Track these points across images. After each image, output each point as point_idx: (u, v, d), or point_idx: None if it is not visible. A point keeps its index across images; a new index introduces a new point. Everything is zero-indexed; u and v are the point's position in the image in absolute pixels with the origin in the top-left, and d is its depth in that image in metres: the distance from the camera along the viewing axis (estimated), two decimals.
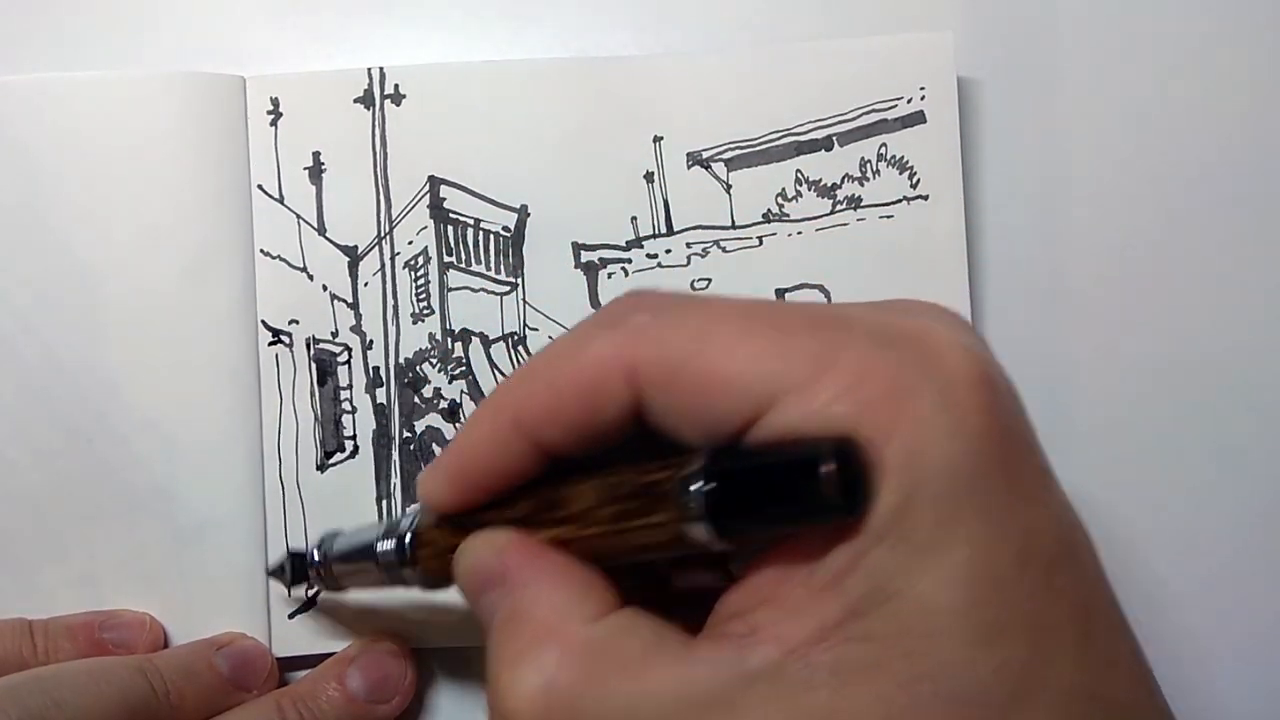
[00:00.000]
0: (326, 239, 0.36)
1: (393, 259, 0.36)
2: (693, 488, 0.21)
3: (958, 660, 0.20)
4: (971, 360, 0.21)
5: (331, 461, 0.36)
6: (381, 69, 0.36)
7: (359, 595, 0.34)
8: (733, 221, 0.36)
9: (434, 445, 0.36)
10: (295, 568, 0.32)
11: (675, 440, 0.23)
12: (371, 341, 0.36)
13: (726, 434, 0.22)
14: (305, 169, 0.36)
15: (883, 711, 0.20)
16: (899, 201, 0.36)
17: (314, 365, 0.36)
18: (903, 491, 0.20)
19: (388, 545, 0.28)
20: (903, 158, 0.36)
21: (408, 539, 0.27)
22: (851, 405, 0.20)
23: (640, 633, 0.22)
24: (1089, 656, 0.21)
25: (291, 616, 0.35)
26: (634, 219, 0.36)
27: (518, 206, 0.36)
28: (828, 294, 0.36)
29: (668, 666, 0.21)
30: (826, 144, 0.36)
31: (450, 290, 0.36)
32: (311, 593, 0.35)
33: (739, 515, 0.21)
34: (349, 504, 0.35)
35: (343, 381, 0.36)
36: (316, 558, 0.31)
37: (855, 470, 0.20)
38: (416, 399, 0.36)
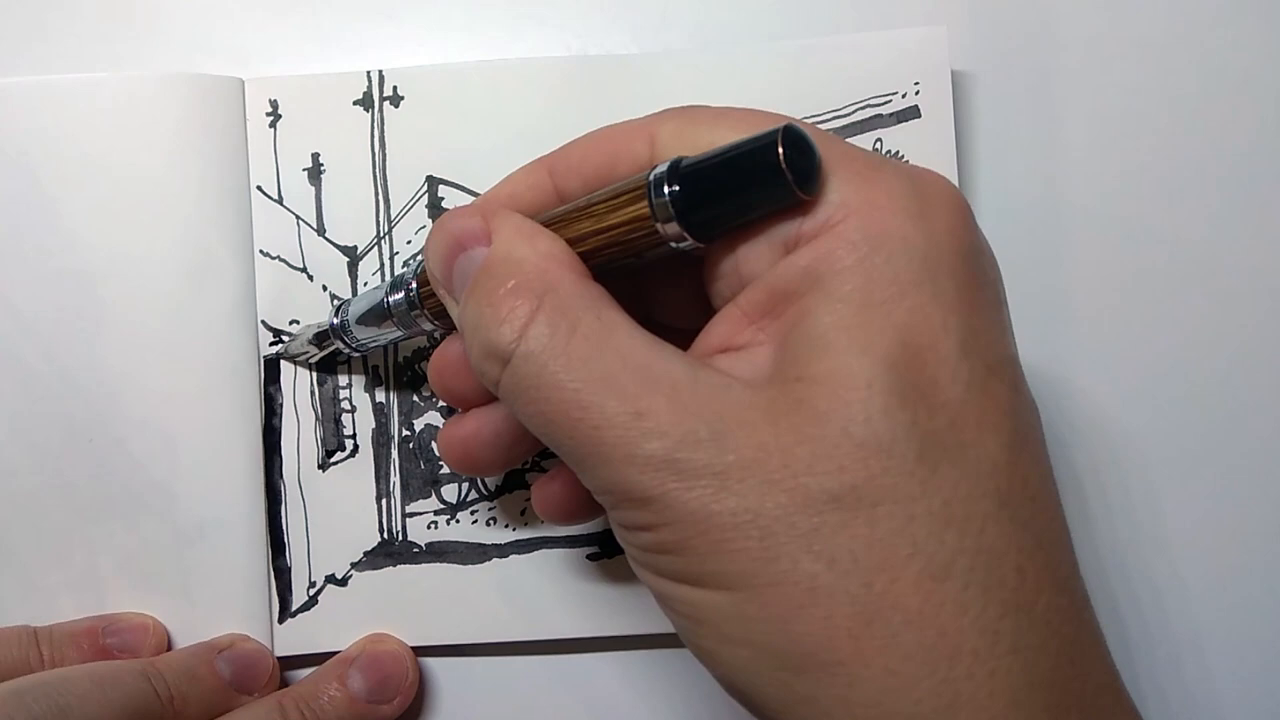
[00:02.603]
0: (326, 239, 0.36)
1: (392, 259, 0.36)
2: (655, 173, 0.23)
3: (875, 407, 0.21)
4: (953, 189, 0.23)
5: (332, 460, 0.36)
6: (380, 71, 0.36)
7: (359, 593, 0.34)
8: None
9: (433, 443, 0.36)
10: (319, 333, 0.34)
11: None
12: None
13: None
14: (304, 170, 0.36)
15: (795, 439, 0.21)
16: None
17: (313, 365, 0.36)
18: (858, 253, 0.22)
19: (397, 297, 0.30)
20: (898, 153, 0.36)
21: (413, 286, 0.29)
22: (837, 178, 0.23)
23: (615, 306, 0.24)
24: (1013, 470, 0.22)
25: (292, 616, 0.35)
26: None
27: None
28: None
29: (639, 339, 0.23)
30: None
31: None
32: (313, 591, 0.35)
33: (703, 207, 0.23)
34: (349, 502, 0.36)
35: (342, 381, 0.36)
36: (336, 322, 0.33)
37: (806, 156, 0.22)
38: (415, 397, 0.36)
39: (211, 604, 0.35)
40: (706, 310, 0.26)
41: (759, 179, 0.22)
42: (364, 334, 0.32)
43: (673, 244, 0.24)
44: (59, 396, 0.35)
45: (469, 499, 0.36)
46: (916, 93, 0.36)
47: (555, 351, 0.23)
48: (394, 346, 0.36)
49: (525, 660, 0.36)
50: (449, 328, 0.29)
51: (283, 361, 0.36)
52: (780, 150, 0.22)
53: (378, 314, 0.31)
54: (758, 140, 0.22)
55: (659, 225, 0.23)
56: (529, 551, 0.36)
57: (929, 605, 0.20)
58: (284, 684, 0.35)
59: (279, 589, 0.35)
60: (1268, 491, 0.36)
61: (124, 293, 0.35)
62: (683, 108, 0.26)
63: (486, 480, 0.36)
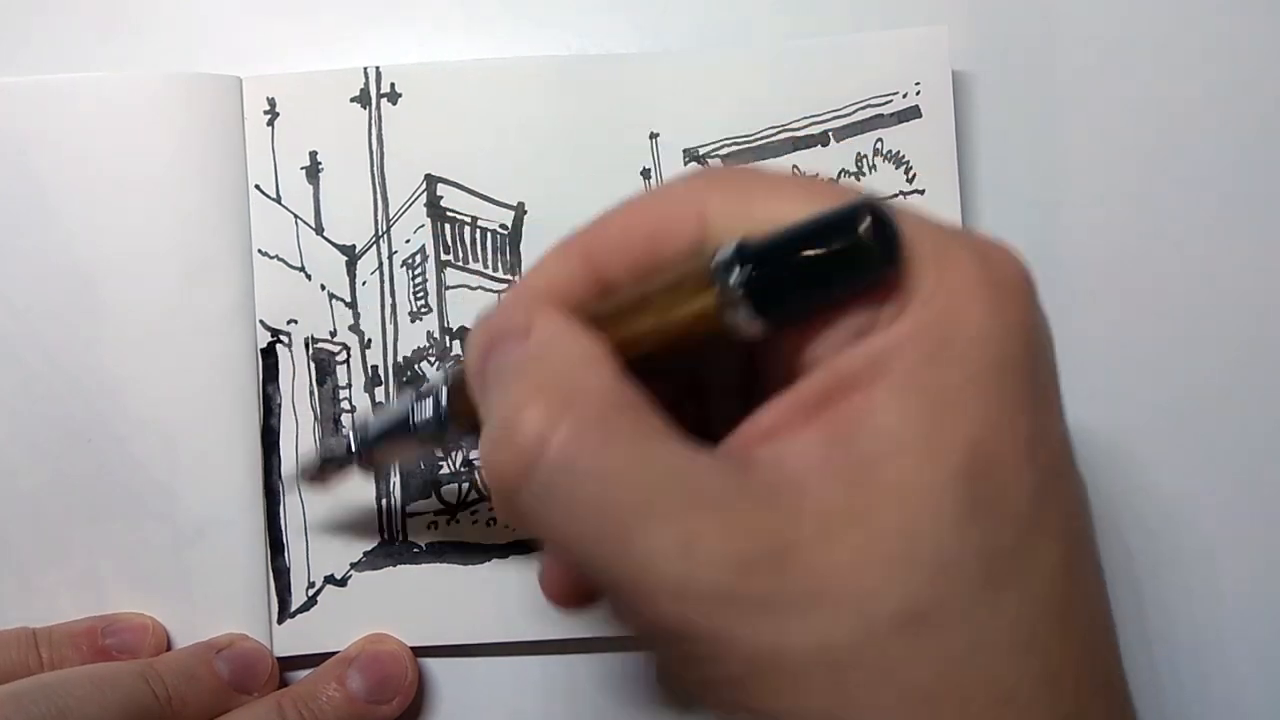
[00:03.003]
0: (324, 238, 0.36)
1: (390, 258, 0.36)
2: (720, 257, 0.21)
3: (944, 525, 0.19)
4: (1019, 261, 0.22)
5: None
6: (378, 68, 0.36)
7: (359, 593, 0.34)
8: None
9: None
10: (334, 461, 0.32)
11: None
12: (370, 340, 0.36)
13: None
14: (302, 169, 0.36)
15: (859, 559, 0.19)
16: (895, 196, 0.36)
17: (313, 365, 0.36)
18: (932, 346, 0.20)
19: (426, 413, 0.27)
20: (899, 153, 0.36)
21: (443, 394, 0.26)
22: (912, 258, 0.20)
23: (658, 411, 0.21)
24: (1070, 579, 0.21)
25: (291, 616, 0.35)
26: None
27: (515, 204, 0.36)
28: None
29: (678, 448, 0.21)
30: (822, 139, 0.36)
31: (448, 288, 0.36)
32: (312, 591, 0.35)
33: (776, 290, 0.20)
34: (349, 502, 0.35)
35: (341, 381, 0.36)
36: (354, 445, 0.31)
37: (889, 230, 0.20)
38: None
39: (211, 604, 0.35)
40: (755, 374, 0.24)
41: (842, 257, 0.20)
42: (386, 456, 0.30)
43: (740, 334, 0.21)
44: (58, 396, 0.35)
45: (469, 499, 0.36)
46: (917, 93, 0.36)
47: (584, 463, 0.20)
48: (393, 345, 0.36)
49: (525, 660, 0.36)
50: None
51: (281, 362, 0.36)
52: (864, 225, 0.20)
53: (401, 431, 0.28)
54: (839, 214, 0.20)
55: (725, 315, 0.21)
56: (529, 552, 0.36)
57: None
58: (283, 684, 0.35)
59: (278, 589, 0.35)
60: (1270, 487, 0.37)
61: (122, 292, 0.35)
62: (729, 175, 0.23)
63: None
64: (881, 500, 0.20)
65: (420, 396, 0.27)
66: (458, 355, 0.36)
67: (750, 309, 0.20)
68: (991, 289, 0.21)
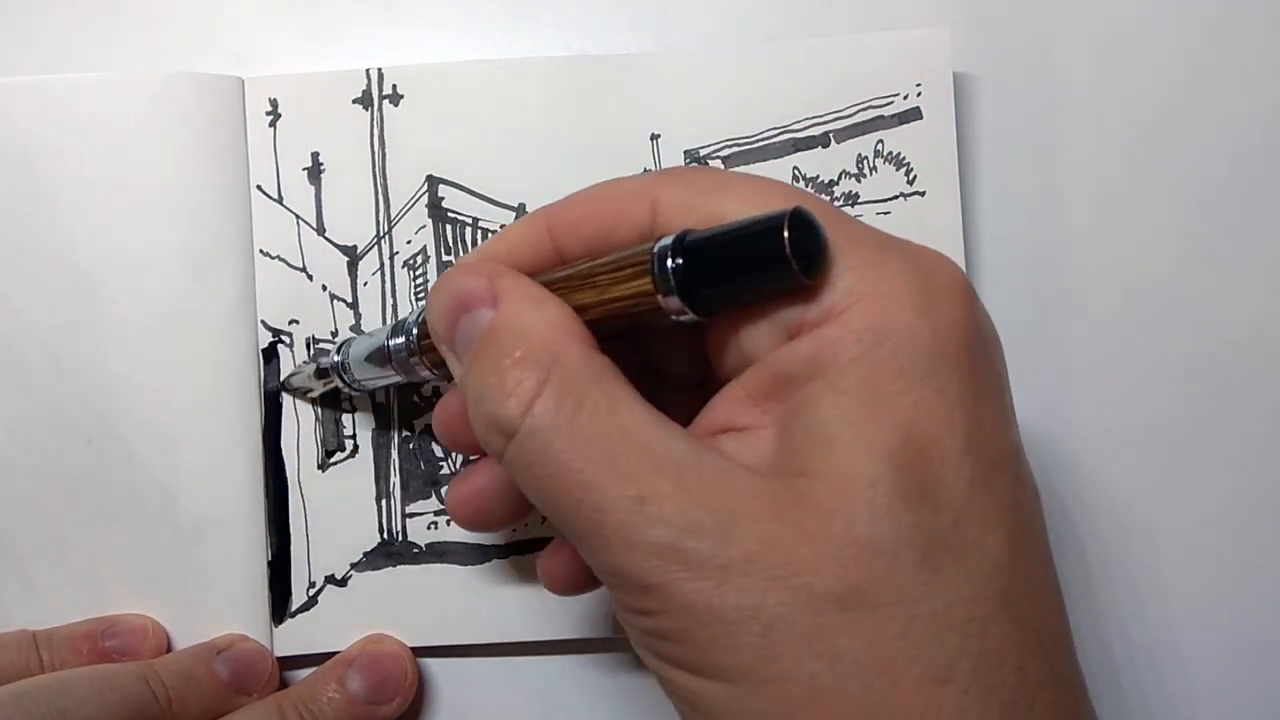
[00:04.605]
0: (326, 239, 0.36)
1: (392, 258, 0.36)
2: (659, 246, 0.23)
3: (879, 508, 0.21)
4: (957, 273, 0.23)
5: (332, 460, 0.36)
6: (380, 69, 0.36)
7: (359, 593, 0.34)
8: None
9: (433, 444, 0.36)
10: (320, 369, 0.34)
11: None
12: None
13: None
14: (304, 169, 0.36)
15: (799, 535, 0.21)
16: (896, 198, 0.36)
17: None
18: (863, 345, 0.22)
19: (398, 341, 0.30)
20: (899, 154, 0.36)
21: (414, 333, 0.29)
22: (844, 264, 0.22)
23: (626, 381, 0.23)
24: (1015, 568, 0.21)
25: (291, 616, 0.35)
26: None
27: (516, 205, 0.36)
28: None
29: (644, 416, 0.23)
30: (823, 141, 0.36)
31: None
32: (312, 591, 0.35)
33: (704, 283, 0.22)
34: (349, 502, 0.35)
35: None
36: (337, 358, 0.33)
37: (813, 241, 0.22)
38: (415, 398, 0.36)
39: (211, 605, 0.35)
40: (707, 365, 0.26)
41: (763, 262, 0.22)
42: (363, 374, 0.32)
43: (675, 317, 0.23)
44: (59, 396, 0.35)
45: None
46: (918, 94, 0.36)
47: (560, 429, 0.22)
48: None
49: (525, 660, 0.36)
50: (448, 378, 0.28)
51: (282, 362, 0.36)
52: (786, 235, 0.21)
53: (378, 357, 0.31)
54: (765, 222, 0.22)
55: (661, 298, 0.23)
56: (529, 552, 0.35)
57: (929, 709, 0.20)
58: (284, 685, 0.35)
59: (278, 590, 0.35)
60: (1270, 488, 0.36)
61: (124, 293, 0.35)
62: (686, 171, 0.25)
63: None
64: (821, 486, 0.21)
65: (395, 331, 0.30)
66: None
67: (679, 295, 0.23)
68: (924, 292, 0.22)
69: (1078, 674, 0.23)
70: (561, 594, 0.31)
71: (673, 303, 0.23)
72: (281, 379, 0.35)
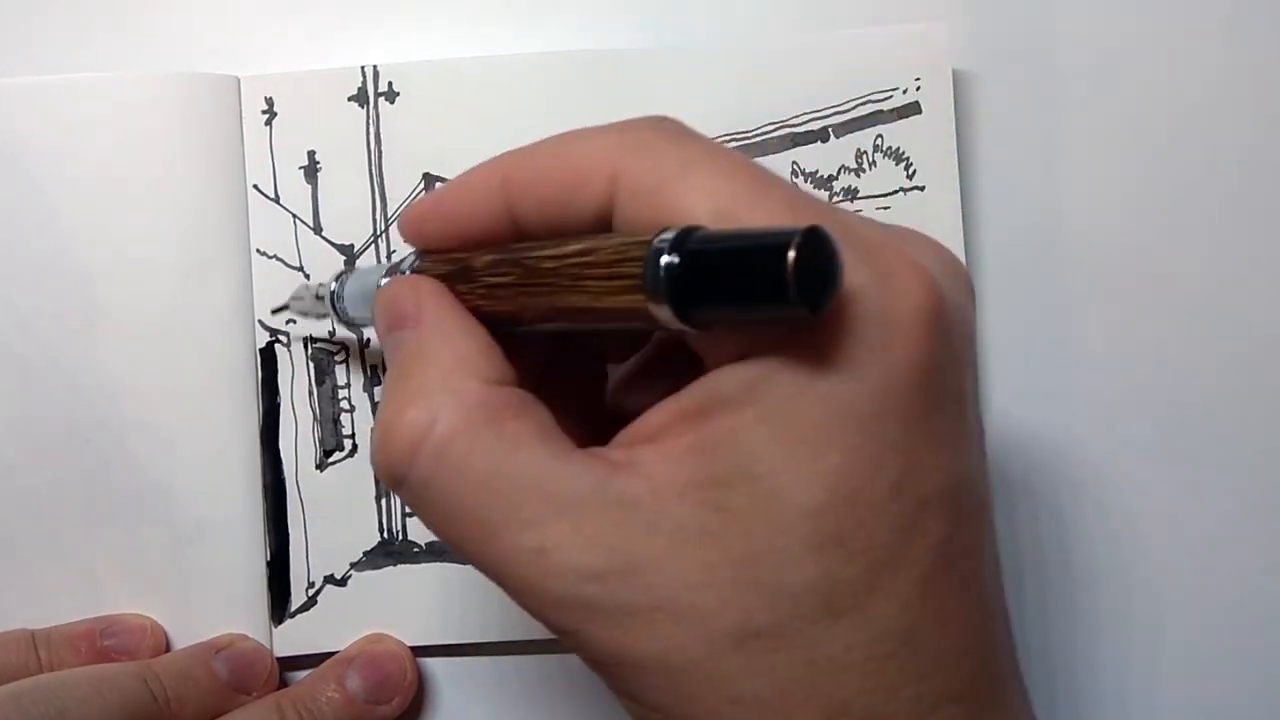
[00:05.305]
0: (323, 238, 0.36)
1: (389, 257, 0.36)
2: (662, 260, 0.20)
3: (788, 556, 0.20)
4: (925, 290, 0.21)
5: (330, 460, 0.36)
6: (375, 67, 0.36)
7: (359, 593, 0.34)
8: None
9: None
10: (321, 300, 0.33)
11: None
12: (369, 340, 0.36)
13: None
14: (300, 168, 0.36)
15: (704, 578, 0.21)
16: (895, 193, 0.36)
17: (312, 364, 0.36)
18: (802, 381, 0.20)
19: (387, 282, 0.28)
20: (899, 149, 0.36)
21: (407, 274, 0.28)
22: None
23: (531, 415, 0.23)
24: (924, 603, 0.21)
25: (291, 616, 0.35)
26: None
27: None
28: None
29: (543, 455, 0.22)
30: (823, 136, 0.36)
31: None
32: (312, 591, 0.35)
33: (699, 295, 0.20)
34: (348, 502, 0.35)
35: (340, 380, 0.36)
36: (333, 288, 0.32)
37: (826, 263, 0.19)
38: None
39: (210, 605, 0.35)
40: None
41: (765, 293, 0.19)
42: (355, 310, 0.31)
43: (664, 327, 0.21)
44: (57, 396, 0.35)
45: None
46: (918, 88, 0.35)
47: (449, 473, 0.22)
48: None
49: (525, 660, 0.36)
50: None
51: (279, 360, 0.36)
52: (791, 262, 0.18)
53: (370, 294, 0.30)
54: (771, 240, 0.19)
55: (651, 308, 0.21)
56: None
57: None
58: (283, 685, 0.35)
59: (277, 589, 0.35)
60: (1269, 487, 0.36)
61: (121, 292, 0.35)
62: (652, 139, 0.23)
63: None
64: (733, 525, 0.20)
65: (389, 271, 0.29)
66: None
67: (674, 313, 0.20)
68: (881, 326, 0.20)
69: (995, 683, 0.23)
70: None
71: (664, 316, 0.21)
72: (284, 301, 0.35)
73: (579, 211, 0.23)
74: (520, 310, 0.24)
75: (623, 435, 0.23)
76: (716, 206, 0.21)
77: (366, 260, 0.36)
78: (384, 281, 0.29)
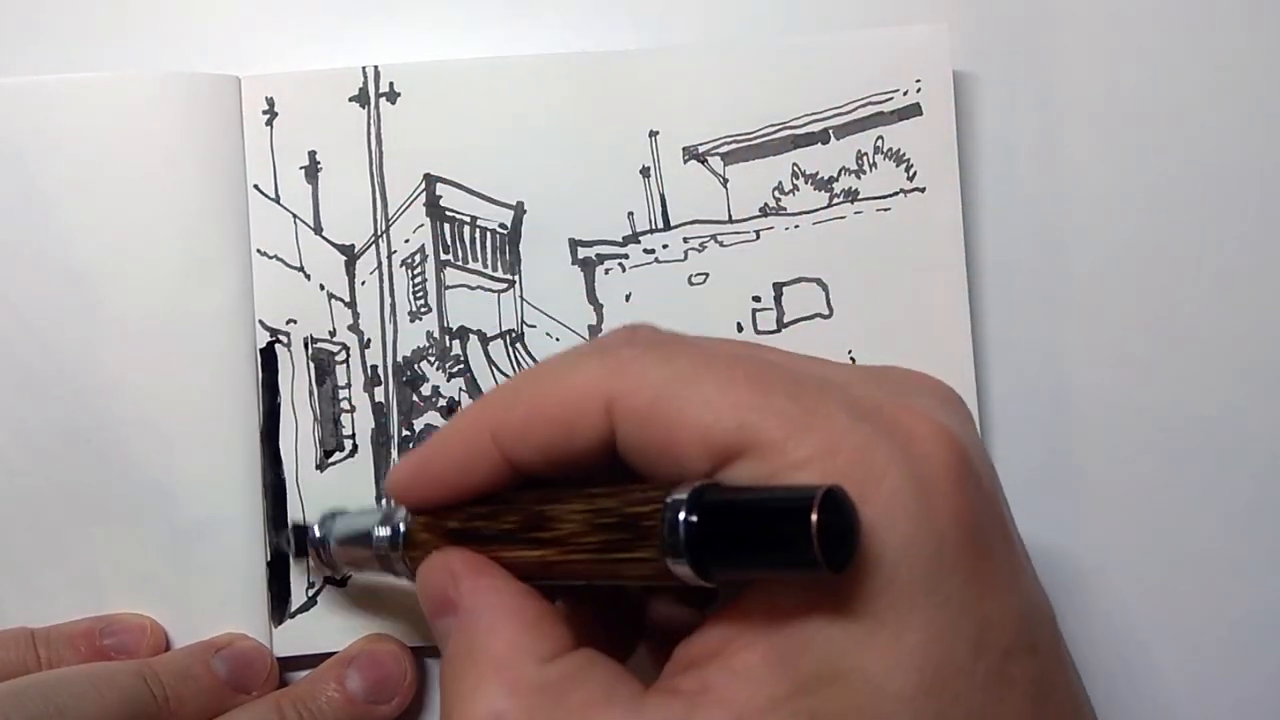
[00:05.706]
0: (323, 238, 0.36)
1: (389, 257, 0.36)
2: (681, 517, 0.21)
3: None
4: (948, 446, 0.21)
5: (331, 461, 0.36)
6: (376, 67, 0.36)
7: (360, 582, 0.34)
8: (730, 216, 0.36)
9: None
10: (297, 540, 0.33)
11: (645, 476, 0.23)
12: (369, 340, 0.36)
13: (693, 477, 0.22)
14: (301, 168, 0.36)
15: None
16: (896, 194, 0.36)
17: (312, 365, 0.36)
18: (861, 571, 0.20)
19: (383, 532, 0.28)
20: (899, 150, 0.36)
21: (401, 529, 0.28)
22: (818, 475, 0.20)
23: (592, 678, 0.22)
24: None
25: (291, 616, 0.35)
26: (631, 214, 0.36)
27: (514, 203, 0.36)
28: (825, 287, 0.36)
29: (616, 716, 0.21)
30: (823, 137, 0.36)
31: (447, 288, 0.36)
32: (312, 592, 0.35)
33: (721, 556, 0.21)
34: (348, 503, 0.35)
35: (341, 380, 0.36)
36: (318, 534, 0.32)
37: (845, 521, 0.19)
38: (415, 397, 0.36)
39: (210, 604, 0.35)
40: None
41: (787, 554, 0.20)
42: (343, 556, 0.31)
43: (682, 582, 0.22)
44: (57, 396, 0.35)
45: None
46: (918, 90, 0.35)
47: None
48: (393, 345, 0.36)
49: None
50: None
51: (279, 360, 0.36)
52: (814, 527, 0.19)
53: (359, 538, 0.29)
54: (791, 503, 0.20)
55: (671, 565, 0.21)
56: None
57: None
58: (283, 684, 0.35)
59: (277, 589, 0.35)
60: (1268, 492, 0.36)
61: (121, 293, 0.35)
62: (625, 350, 0.23)
63: None
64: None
65: (384, 519, 0.28)
66: (457, 355, 0.36)
67: (693, 571, 0.21)
68: (916, 495, 0.21)
69: None
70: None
71: (684, 573, 0.21)
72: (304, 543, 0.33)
73: (581, 445, 0.23)
74: (538, 573, 0.24)
75: (681, 653, 0.22)
76: (717, 418, 0.21)
77: (366, 261, 0.36)
78: (379, 532, 0.28)
